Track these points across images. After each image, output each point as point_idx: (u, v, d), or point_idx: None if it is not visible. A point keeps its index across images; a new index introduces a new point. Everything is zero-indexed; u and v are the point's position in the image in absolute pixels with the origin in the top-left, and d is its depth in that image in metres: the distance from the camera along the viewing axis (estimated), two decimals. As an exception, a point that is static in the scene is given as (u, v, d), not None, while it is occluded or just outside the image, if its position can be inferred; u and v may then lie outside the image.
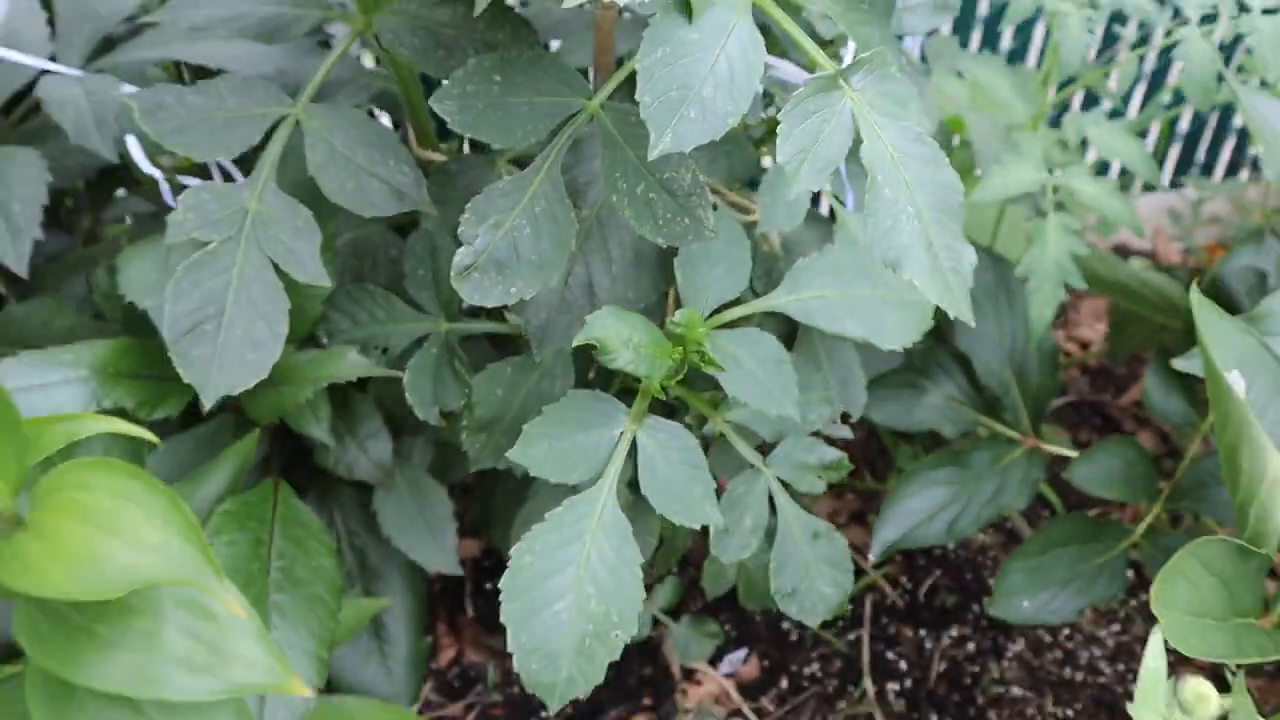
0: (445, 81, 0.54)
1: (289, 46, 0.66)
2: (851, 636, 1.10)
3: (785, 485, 0.70)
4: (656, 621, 1.06)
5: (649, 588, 1.03)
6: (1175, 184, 1.45)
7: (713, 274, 0.61)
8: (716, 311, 0.63)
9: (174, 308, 0.54)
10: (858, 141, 0.46)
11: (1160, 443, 1.28)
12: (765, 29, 0.49)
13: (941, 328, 1.01)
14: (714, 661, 1.08)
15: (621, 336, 0.56)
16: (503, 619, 0.56)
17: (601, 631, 0.56)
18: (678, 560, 1.02)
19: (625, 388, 0.73)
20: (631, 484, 0.62)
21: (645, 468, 0.60)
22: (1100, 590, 0.85)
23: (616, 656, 0.57)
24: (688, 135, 0.46)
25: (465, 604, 1.14)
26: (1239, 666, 0.58)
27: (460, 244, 0.55)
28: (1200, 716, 0.56)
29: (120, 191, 0.75)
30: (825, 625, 1.10)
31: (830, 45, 0.67)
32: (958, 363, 0.99)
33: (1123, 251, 1.49)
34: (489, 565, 1.17)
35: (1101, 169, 1.40)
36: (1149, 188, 1.46)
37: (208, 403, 0.54)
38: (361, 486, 0.83)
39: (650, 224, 0.55)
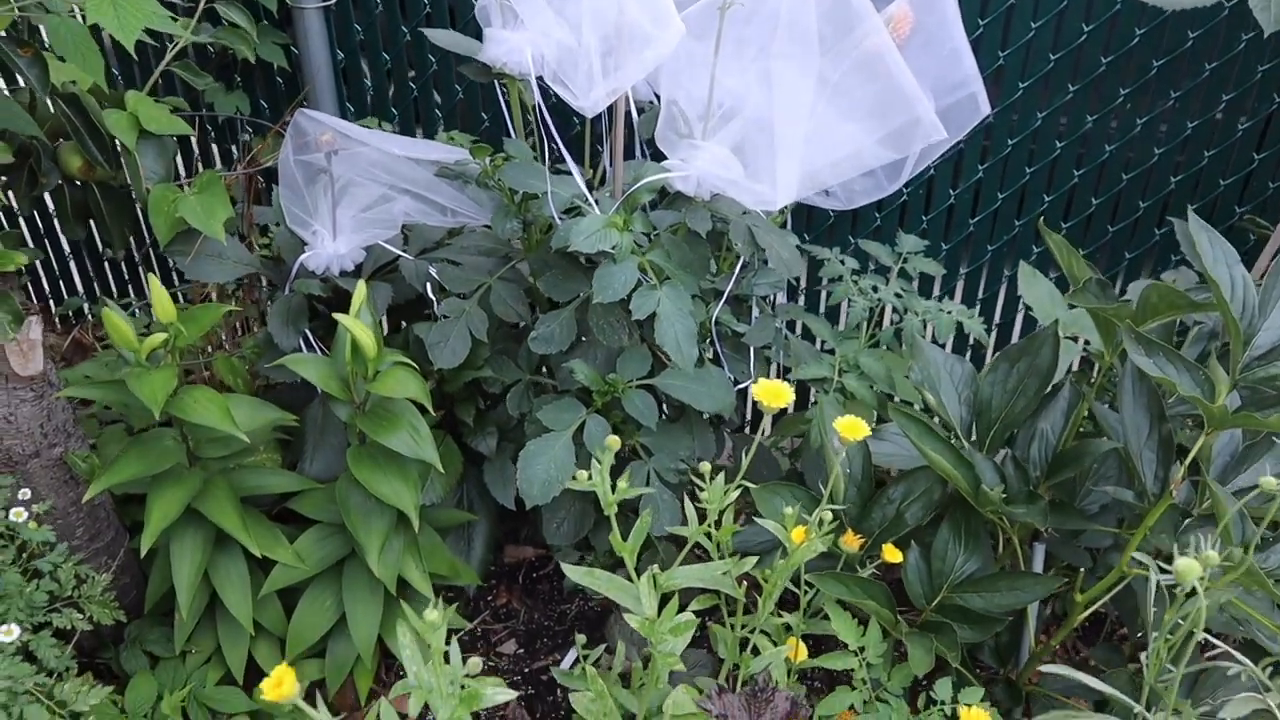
0: (545, 276, 1.53)
1: (493, 259, 1.66)
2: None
3: (657, 474, 1.58)
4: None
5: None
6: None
7: (631, 363, 1.54)
8: (631, 381, 1.55)
9: (435, 333, 1.51)
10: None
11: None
12: (643, 269, 1.45)
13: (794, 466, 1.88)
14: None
15: (588, 375, 1.49)
16: (517, 468, 1.46)
17: (554, 480, 1.46)
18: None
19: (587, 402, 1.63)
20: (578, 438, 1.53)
21: (588, 433, 1.51)
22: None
23: (557, 493, 1.46)
24: (611, 296, 1.40)
25: (520, 579, 2.01)
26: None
27: (535, 331, 1.51)
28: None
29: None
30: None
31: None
32: (799, 477, 1.84)
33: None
34: (537, 563, 2.05)
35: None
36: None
37: (438, 365, 1.50)
38: (477, 459, 1.75)
39: (605, 336, 1.50)
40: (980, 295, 2.29)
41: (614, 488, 1.08)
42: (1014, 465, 1.44)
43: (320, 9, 2.08)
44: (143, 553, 1.41)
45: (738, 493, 1.15)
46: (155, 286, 1.38)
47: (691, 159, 1.40)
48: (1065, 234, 2.20)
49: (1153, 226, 2.19)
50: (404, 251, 1.73)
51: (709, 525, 1.19)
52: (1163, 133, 2.09)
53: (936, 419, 1.60)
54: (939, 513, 1.46)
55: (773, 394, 1.09)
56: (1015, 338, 2.33)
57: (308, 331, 1.69)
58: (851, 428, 1.10)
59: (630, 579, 1.15)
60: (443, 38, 1.62)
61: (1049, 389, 1.48)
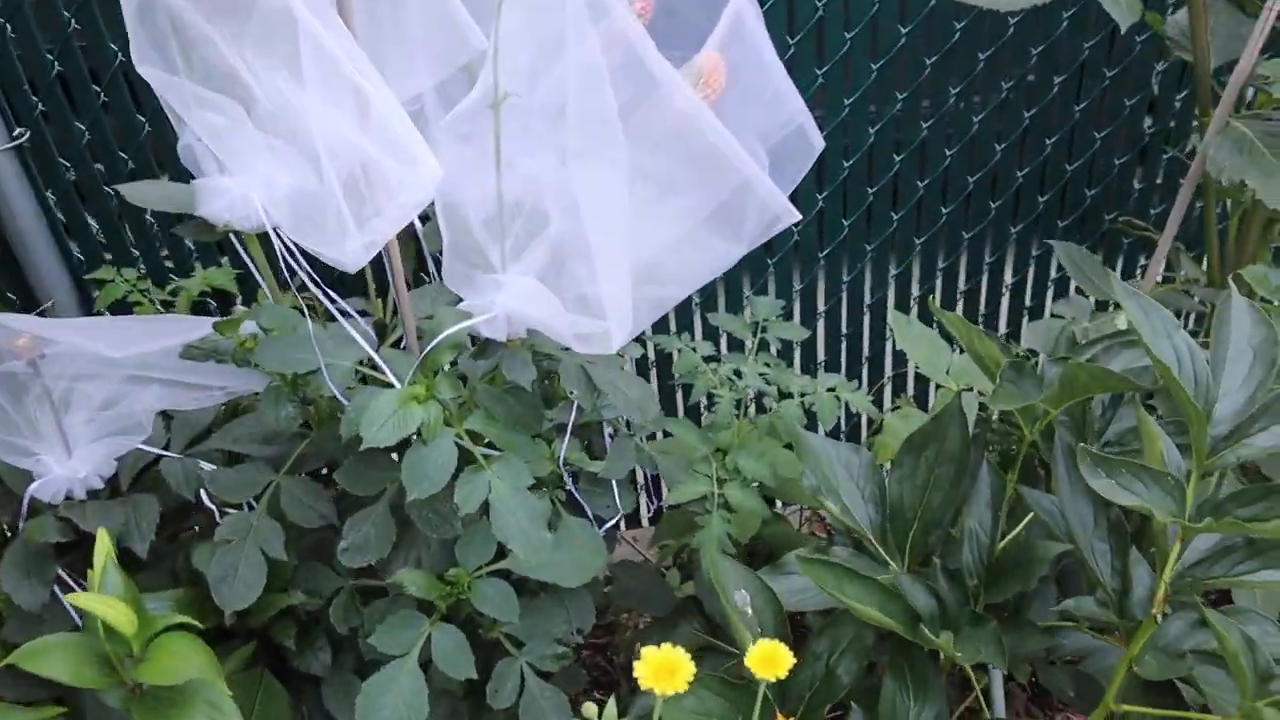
0: (343, 466, 1.21)
1: (279, 446, 1.34)
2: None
3: (532, 666, 1.29)
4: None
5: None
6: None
7: (474, 549, 1.24)
8: (479, 568, 1.25)
9: (217, 565, 1.18)
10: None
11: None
12: (461, 436, 1.15)
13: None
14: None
15: (420, 584, 1.19)
16: (358, 713, 1.15)
17: (405, 723, 1.15)
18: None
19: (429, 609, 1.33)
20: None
21: (436, 647, 1.20)
22: None
23: (411, 744, 1.15)
24: (429, 488, 1.10)
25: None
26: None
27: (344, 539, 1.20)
28: None
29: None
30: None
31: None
32: (697, 605, 1.58)
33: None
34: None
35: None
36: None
37: (229, 609, 1.17)
38: (313, 680, 1.42)
39: (433, 529, 1.19)
40: (844, 331, 2.09)
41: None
42: (947, 578, 1.22)
43: (10, 150, 1.69)
44: None
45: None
46: None
47: (494, 300, 1.12)
48: (921, 249, 2.02)
49: (1008, 225, 2.03)
50: (166, 449, 1.38)
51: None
52: (1000, 127, 1.93)
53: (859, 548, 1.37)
54: (876, 655, 1.22)
55: (666, 672, 0.83)
56: (889, 369, 2.14)
57: (61, 572, 1.32)
58: (767, 662, 0.85)
59: None
60: (146, 194, 1.27)
61: (966, 475, 1.27)
